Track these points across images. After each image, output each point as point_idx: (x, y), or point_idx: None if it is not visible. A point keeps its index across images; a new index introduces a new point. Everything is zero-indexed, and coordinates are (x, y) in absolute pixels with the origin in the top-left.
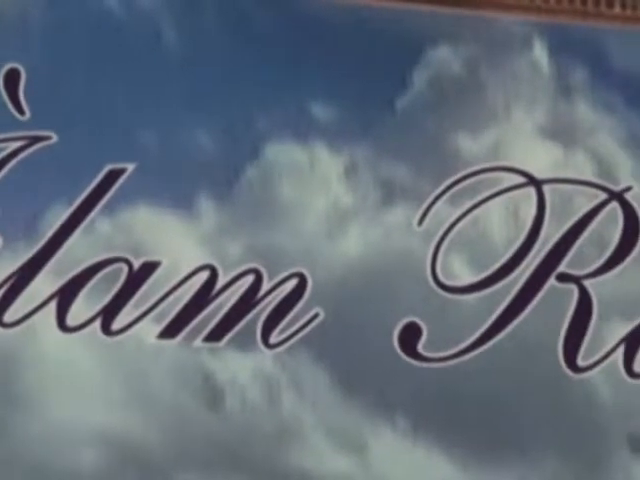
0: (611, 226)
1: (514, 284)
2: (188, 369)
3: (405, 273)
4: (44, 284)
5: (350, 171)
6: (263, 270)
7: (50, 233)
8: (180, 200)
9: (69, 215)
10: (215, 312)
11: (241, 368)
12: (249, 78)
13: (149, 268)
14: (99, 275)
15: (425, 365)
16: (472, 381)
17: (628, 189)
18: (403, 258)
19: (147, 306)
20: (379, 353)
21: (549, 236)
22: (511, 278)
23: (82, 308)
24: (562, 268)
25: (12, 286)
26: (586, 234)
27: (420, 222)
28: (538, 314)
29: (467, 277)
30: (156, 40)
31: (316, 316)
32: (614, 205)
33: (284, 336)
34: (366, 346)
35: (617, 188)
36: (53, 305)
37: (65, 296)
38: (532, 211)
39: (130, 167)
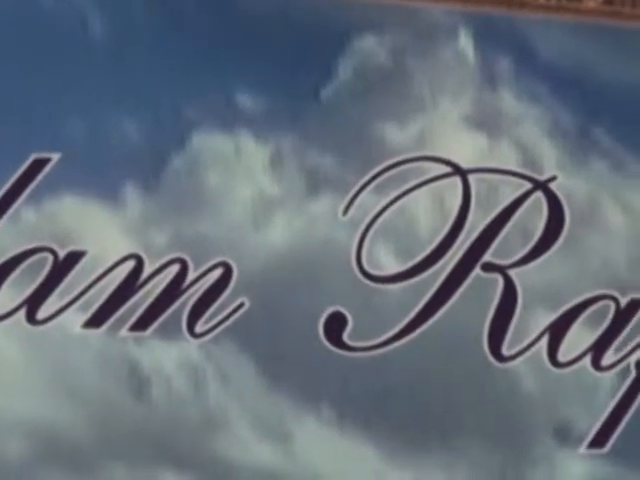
0: (535, 216)
1: (439, 273)
2: (113, 359)
3: (330, 262)
4: None
5: (276, 160)
6: (189, 259)
7: None
8: (106, 190)
9: None
10: (141, 302)
11: (167, 357)
12: (175, 68)
13: (74, 257)
14: (24, 264)
15: (350, 354)
16: (397, 370)
17: (552, 179)
18: (328, 247)
19: (72, 296)
20: (304, 342)
21: (474, 226)
22: (436, 267)
23: (6, 297)
24: (487, 258)
25: None
26: (511, 224)
27: (345, 212)
28: (463, 303)
29: (392, 266)
30: (83, 30)
31: (241, 305)
32: (538, 195)
33: (209, 325)
34: (291, 335)
35: (541, 178)
36: None
37: None
38: (457, 201)
39: (56, 156)
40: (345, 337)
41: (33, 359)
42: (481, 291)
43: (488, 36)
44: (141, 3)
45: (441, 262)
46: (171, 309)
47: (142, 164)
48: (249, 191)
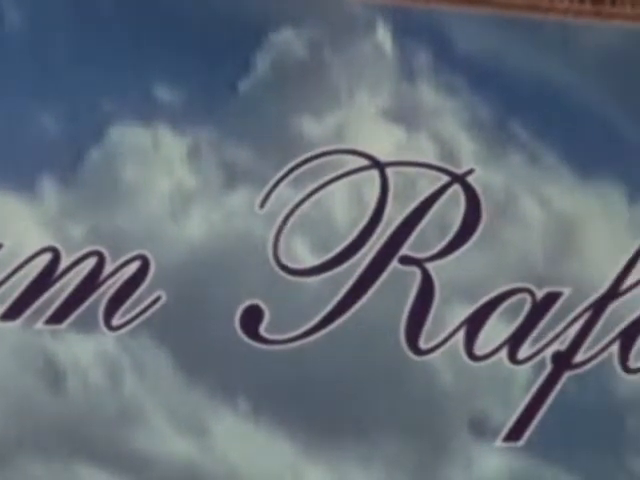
0: (453, 209)
1: (356, 267)
2: (30, 351)
3: (247, 256)
4: None
5: (193, 153)
6: (106, 252)
7: None
8: (23, 182)
9: None
10: (57, 294)
11: (83, 351)
12: (92, 61)
13: None
14: None
15: (267, 347)
16: (314, 364)
17: (470, 172)
18: (245, 241)
19: None
20: (221, 336)
21: (392, 219)
22: (354, 261)
23: None
24: (404, 251)
25: None
26: (428, 217)
27: (262, 205)
28: (380, 297)
29: (309, 260)
30: (0, 22)
31: (159, 299)
32: (456, 188)
33: (126, 319)
34: (208, 329)
35: (459, 171)
36: None
37: None
38: (375, 194)
39: None
40: (262, 330)
41: None
42: (398, 284)
43: (406, 29)
44: None
45: (358, 255)
46: (88, 302)
47: (59, 157)
48: (167, 184)
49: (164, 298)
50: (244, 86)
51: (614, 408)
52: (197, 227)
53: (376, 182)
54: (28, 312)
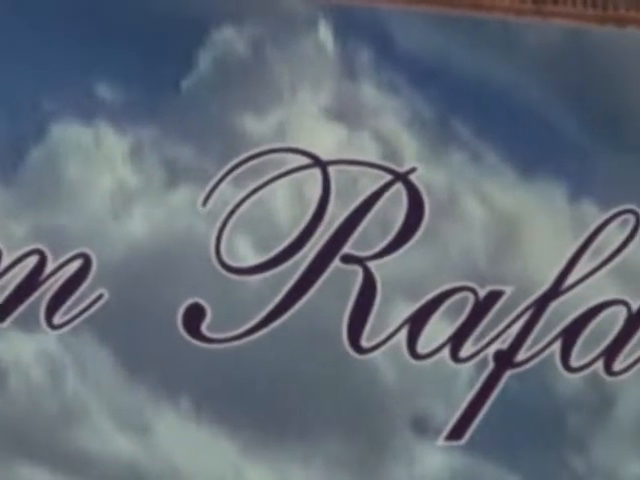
0: (395, 207)
1: (298, 265)
2: None
3: (189, 254)
4: None
5: (135, 152)
6: (47, 251)
7: None
8: None
9: None
10: None
11: (25, 349)
12: (33, 59)
13: None
14: None
15: (209, 346)
16: (256, 362)
17: (412, 170)
18: (187, 239)
19: None
20: (163, 334)
21: (334, 217)
22: (295, 259)
23: None
24: (346, 249)
25: None
26: (370, 215)
27: (204, 203)
28: (322, 295)
29: (251, 258)
30: None
31: (100, 297)
32: (398, 186)
33: (68, 317)
34: (150, 327)
35: (401, 169)
36: None
37: None
38: (317, 192)
39: None
40: (204, 329)
41: None
42: (340, 283)
43: (348, 27)
44: None
45: (300, 254)
46: (29, 300)
47: (0, 155)
48: (108, 182)
49: (106, 296)
50: (186, 84)
51: (555, 406)
52: (139, 225)
53: (318, 180)
54: None
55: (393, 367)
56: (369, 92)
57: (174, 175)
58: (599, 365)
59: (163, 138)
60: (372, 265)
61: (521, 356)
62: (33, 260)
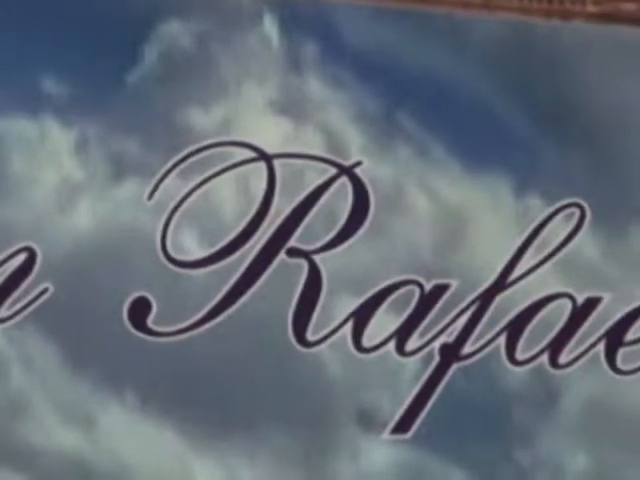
0: (341, 201)
1: (244, 259)
2: None
3: (135, 247)
4: None
5: (81, 145)
6: None
7: None
8: None
9: None
10: None
11: None
12: None
13: None
14: None
15: (155, 340)
16: (202, 356)
17: (357, 164)
18: (133, 232)
19: None
20: (109, 328)
21: (279, 211)
22: (241, 253)
23: None
24: (292, 243)
25: None
26: (316, 209)
27: (150, 197)
28: (268, 289)
29: (197, 252)
30: None
31: (46, 290)
32: (344, 180)
33: (13, 311)
34: (96, 321)
35: (347, 163)
36: None
37: None
38: (262, 186)
39: None
40: (149, 322)
41: None
42: (286, 276)
43: (293, 21)
44: None
45: (246, 247)
46: None
47: None
48: (54, 176)
49: (51, 290)
50: (131, 78)
51: (501, 400)
52: (84, 219)
53: (263, 174)
54: None
55: (339, 360)
56: (314, 86)
57: (120, 169)
58: (544, 358)
59: (109, 132)
60: (317, 258)
61: (467, 349)
62: None
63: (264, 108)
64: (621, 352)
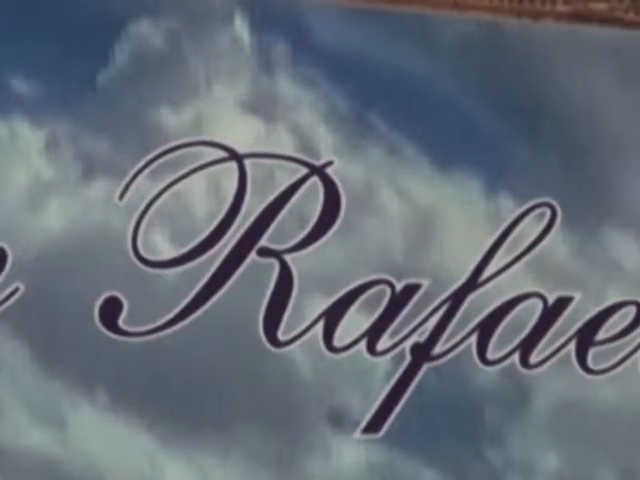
0: (312, 201)
1: (215, 259)
2: None
3: (106, 247)
4: None
5: (51, 145)
6: None
7: None
8: None
9: None
10: None
11: None
12: None
13: None
14: None
15: (126, 340)
16: (173, 356)
17: (329, 164)
18: (104, 232)
19: None
20: (80, 328)
21: (250, 211)
22: (212, 252)
23: None
24: (263, 243)
25: None
26: (287, 209)
27: (121, 197)
28: (239, 289)
29: (168, 251)
30: None
31: (16, 290)
32: (315, 180)
33: None
34: (67, 321)
35: (318, 163)
36: None
37: None
38: (233, 186)
39: None
40: (120, 322)
41: None
42: (257, 276)
43: (264, 20)
44: None
45: (217, 247)
46: None
47: None
48: (24, 176)
49: (22, 290)
50: (102, 78)
51: (472, 399)
52: (55, 219)
53: (234, 174)
54: None
55: (310, 360)
56: (285, 85)
57: (90, 169)
58: (516, 358)
59: (79, 132)
60: (289, 258)
61: (438, 349)
62: None
63: (235, 108)
64: (592, 352)
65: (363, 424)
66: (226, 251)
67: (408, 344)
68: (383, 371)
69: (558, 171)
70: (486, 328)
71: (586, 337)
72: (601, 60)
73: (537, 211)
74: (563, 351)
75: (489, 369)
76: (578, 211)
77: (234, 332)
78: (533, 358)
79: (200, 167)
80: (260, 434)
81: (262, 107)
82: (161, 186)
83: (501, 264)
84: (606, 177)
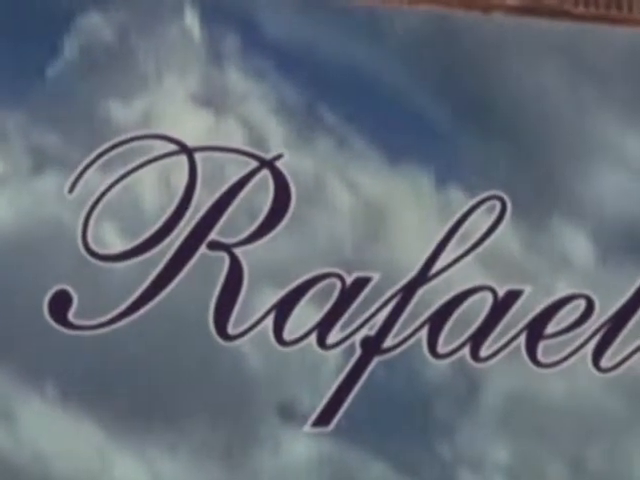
0: (262, 194)
1: (165, 252)
2: None
3: (56, 241)
4: None
5: (1, 138)
6: None
7: None
8: None
9: None
10: None
11: None
12: None
13: None
14: None
15: (75, 333)
16: (123, 349)
17: (279, 157)
18: (54, 226)
19: None
20: (29, 321)
21: (200, 204)
22: (162, 246)
23: None
24: (213, 236)
25: None
26: (237, 202)
27: (71, 190)
28: (189, 282)
29: (118, 245)
30: None
31: None
32: (265, 173)
33: None
34: (16, 314)
35: (268, 156)
36: None
37: None
38: (183, 179)
39: None
40: (70, 316)
41: None
42: (207, 269)
43: (214, 13)
44: None
45: (167, 240)
46: None
47: None
48: None
49: None
50: (52, 71)
51: (422, 393)
52: (4, 212)
53: (185, 167)
54: None
55: (260, 354)
56: (236, 78)
57: (40, 162)
58: (466, 351)
59: (29, 125)
60: (239, 252)
61: (388, 342)
62: None
63: (185, 101)
64: (542, 345)
65: (313, 417)
66: (176, 244)
67: (358, 337)
68: (333, 364)
69: (508, 164)
70: (436, 321)
71: (536, 330)
72: (551, 53)
73: (487, 204)
74: (513, 344)
75: (439, 362)
76: (528, 204)
77: (184, 326)
78: (483, 351)
79: (150, 160)
80: (210, 427)
81: (212, 100)
82: (111, 179)
83: (451, 257)
84: (556, 170)
